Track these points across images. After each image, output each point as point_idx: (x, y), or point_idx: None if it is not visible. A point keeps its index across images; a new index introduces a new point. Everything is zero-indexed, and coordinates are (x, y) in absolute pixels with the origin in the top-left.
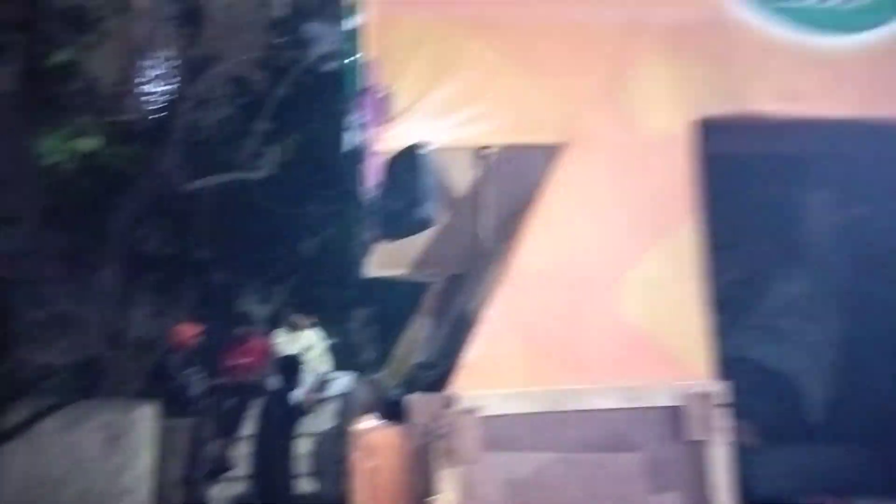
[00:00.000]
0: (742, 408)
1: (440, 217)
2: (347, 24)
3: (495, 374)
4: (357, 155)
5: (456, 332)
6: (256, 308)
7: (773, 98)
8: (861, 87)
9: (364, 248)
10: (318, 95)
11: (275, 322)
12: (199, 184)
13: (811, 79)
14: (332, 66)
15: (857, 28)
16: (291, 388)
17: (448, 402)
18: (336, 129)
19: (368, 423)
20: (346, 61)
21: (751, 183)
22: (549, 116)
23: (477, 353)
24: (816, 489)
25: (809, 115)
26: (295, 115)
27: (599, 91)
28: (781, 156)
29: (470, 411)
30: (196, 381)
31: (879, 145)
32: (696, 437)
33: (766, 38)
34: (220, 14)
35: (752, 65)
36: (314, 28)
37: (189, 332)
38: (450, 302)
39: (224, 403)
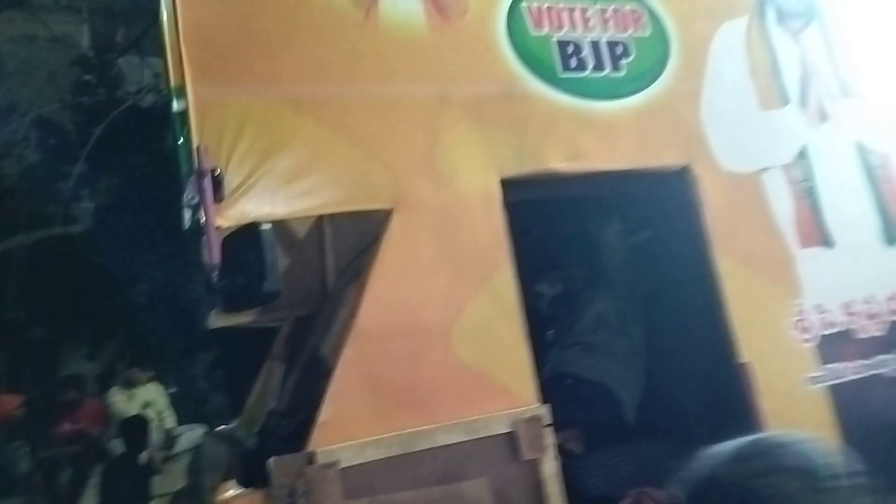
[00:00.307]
0: (566, 418)
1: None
2: (175, 107)
3: (350, 427)
4: (192, 233)
5: (308, 377)
6: (85, 367)
7: (561, 157)
8: (630, 143)
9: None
10: (136, 133)
11: (107, 380)
12: (7, 243)
13: (591, 139)
14: (147, 101)
15: (624, 94)
16: (136, 449)
17: (307, 460)
18: (158, 169)
19: (228, 492)
20: (176, 142)
21: (553, 224)
22: (377, 184)
23: (331, 410)
24: (636, 481)
25: (592, 169)
26: (112, 156)
27: (419, 159)
28: (574, 199)
29: (328, 466)
30: (22, 457)
31: (649, 188)
32: (529, 457)
33: (553, 107)
34: (17, 56)
35: (544, 130)
36: (125, 63)
37: (9, 403)
38: (299, 345)
39: (58, 477)
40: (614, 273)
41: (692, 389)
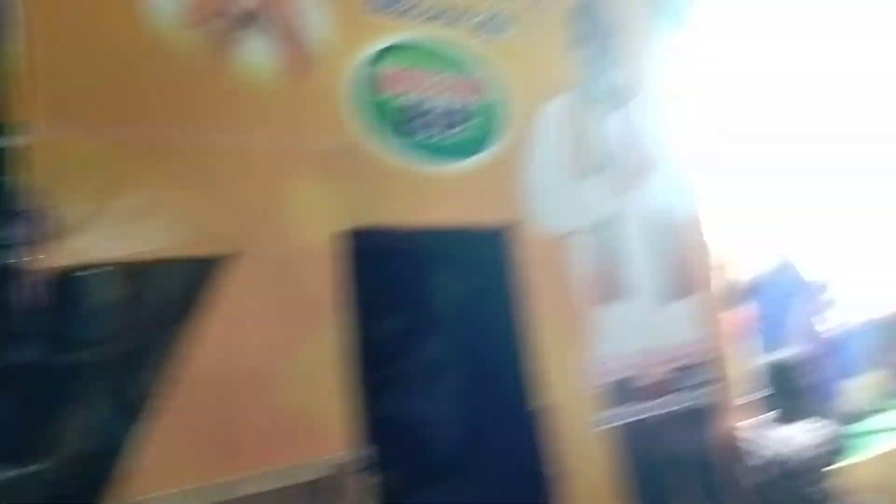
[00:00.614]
0: (392, 458)
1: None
2: (4, 143)
3: (166, 475)
4: (14, 273)
5: (126, 420)
6: None
7: (401, 212)
8: (464, 201)
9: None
10: None
11: None
12: None
13: (429, 196)
14: None
15: (461, 156)
16: None
17: None
18: None
19: None
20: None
21: (395, 271)
22: (218, 231)
23: (147, 457)
24: None
25: (427, 224)
26: None
27: (262, 208)
28: (413, 250)
29: None
30: None
31: (478, 243)
32: (347, 501)
33: (396, 165)
34: None
35: (385, 185)
36: None
37: None
38: (117, 384)
39: None
40: (446, 319)
41: (504, 430)
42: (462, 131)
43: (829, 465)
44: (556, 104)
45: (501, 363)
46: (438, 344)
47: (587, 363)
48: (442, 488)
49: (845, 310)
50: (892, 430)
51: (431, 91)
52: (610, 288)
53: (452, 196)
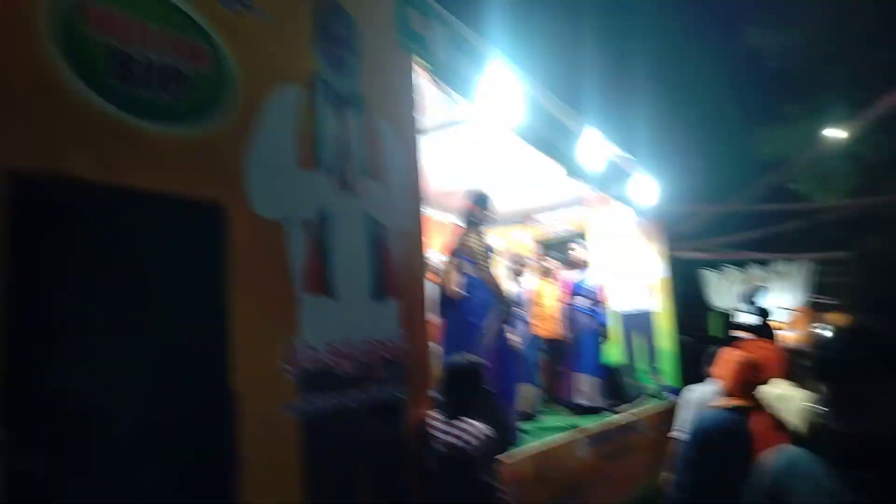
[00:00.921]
0: (50, 440)
1: None
2: None
3: None
4: None
5: None
6: None
7: (90, 165)
8: (172, 169)
9: None
10: None
11: None
12: None
13: (129, 154)
14: None
15: (173, 121)
16: None
17: None
18: None
19: None
20: None
21: (71, 232)
22: None
23: None
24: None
25: (124, 184)
26: None
27: None
28: (104, 210)
29: None
30: None
31: (183, 215)
32: None
33: (92, 111)
34: None
35: (73, 131)
36: None
37: None
38: None
39: None
40: (135, 291)
41: (190, 411)
42: (180, 94)
43: (497, 455)
44: (288, 92)
45: (194, 343)
46: (122, 317)
47: (286, 350)
48: (113, 472)
49: (524, 327)
50: (549, 430)
51: (148, 44)
52: (318, 280)
53: (163, 161)
